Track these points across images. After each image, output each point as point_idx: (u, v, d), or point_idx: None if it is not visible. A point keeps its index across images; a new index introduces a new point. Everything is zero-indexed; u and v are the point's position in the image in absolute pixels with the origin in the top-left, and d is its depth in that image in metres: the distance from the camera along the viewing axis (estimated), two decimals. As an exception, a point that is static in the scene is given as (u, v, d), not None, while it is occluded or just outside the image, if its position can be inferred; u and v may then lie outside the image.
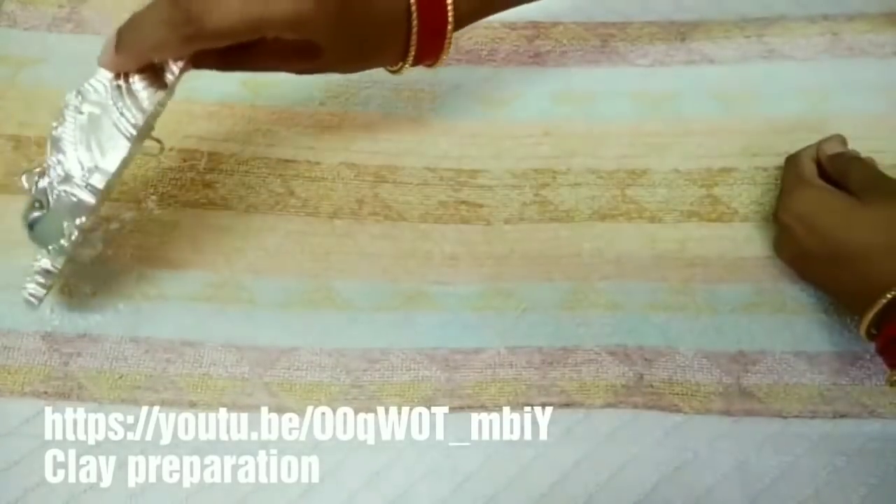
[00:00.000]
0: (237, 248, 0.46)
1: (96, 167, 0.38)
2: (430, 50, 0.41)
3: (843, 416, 0.42)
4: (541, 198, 0.48)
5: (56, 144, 0.38)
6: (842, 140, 0.46)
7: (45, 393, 0.42)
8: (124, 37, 0.36)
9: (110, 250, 0.46)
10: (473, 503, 0.41)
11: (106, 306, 0.44)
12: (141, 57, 0.37)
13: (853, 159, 0.44)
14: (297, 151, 0.49)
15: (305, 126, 0.50)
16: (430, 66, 0.43)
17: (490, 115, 0.51)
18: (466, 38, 0.54)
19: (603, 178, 0.49)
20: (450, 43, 0.40)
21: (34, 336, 0.43)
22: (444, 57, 0.41)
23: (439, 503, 0.41)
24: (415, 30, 0.39)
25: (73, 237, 0.39)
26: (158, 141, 0.42)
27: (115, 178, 0.39)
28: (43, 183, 0.39)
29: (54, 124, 0.38)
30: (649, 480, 0.41)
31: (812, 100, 0.51)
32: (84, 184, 0.38)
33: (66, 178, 0.38)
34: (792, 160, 0.46)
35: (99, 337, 0.44)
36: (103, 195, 0.40)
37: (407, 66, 0.41)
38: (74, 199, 0.39)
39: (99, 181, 0.38)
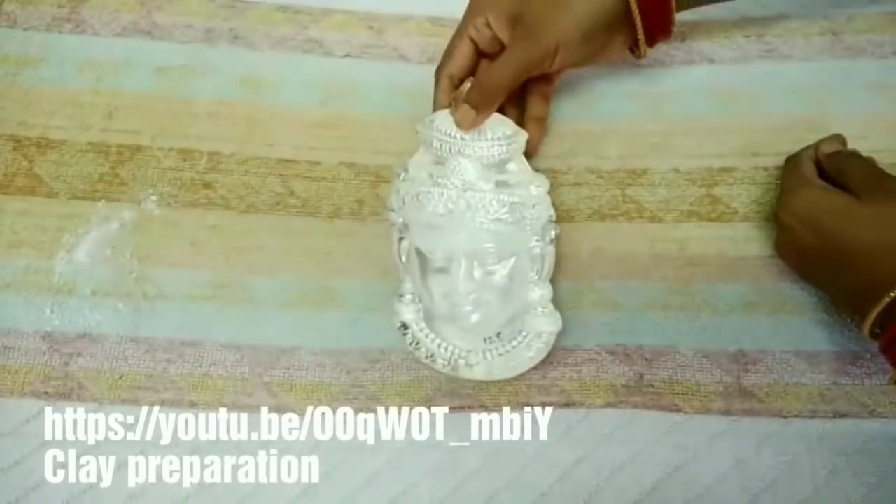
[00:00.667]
0: (237, 248, 0.46)
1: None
2: (656, 36, 0.46)
3: (842, 415, 0.42)
4: (541, 198, 0.48)
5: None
6: (840, 139, 0.46)
7: (45, 393, 0.42)
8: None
9: (110, 250, 0.46)
10: (473, 503, 0.41)
11: (106, 306, 0.44)
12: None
13: (852, 157, 0.44)
14: (297, 151, 0.49)
15: (305, 126, 0.50)
16: (665, 40, 0.47)
17: (490, 114, 0.51)
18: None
19: (603, 177, 0.49)
20: (674, 23, 0.45)
21: (34, 336, 0.43)
22: (673, 30, 0.46)
23: (439, 503, 0.41)
24: (639, 27, 0.44)
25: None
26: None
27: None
28: None
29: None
30: (649, 480, 0.41)
31: (812, 99, 0.51)
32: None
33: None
34: (791, 160, 0.46)
35: (99, 337, 0.44)
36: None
37: (644, 50, 0.46)
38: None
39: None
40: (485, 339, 0.42)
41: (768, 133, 0.50)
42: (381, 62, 0.52)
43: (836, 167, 0.44)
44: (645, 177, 0.49)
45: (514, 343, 0.42)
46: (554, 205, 0.44)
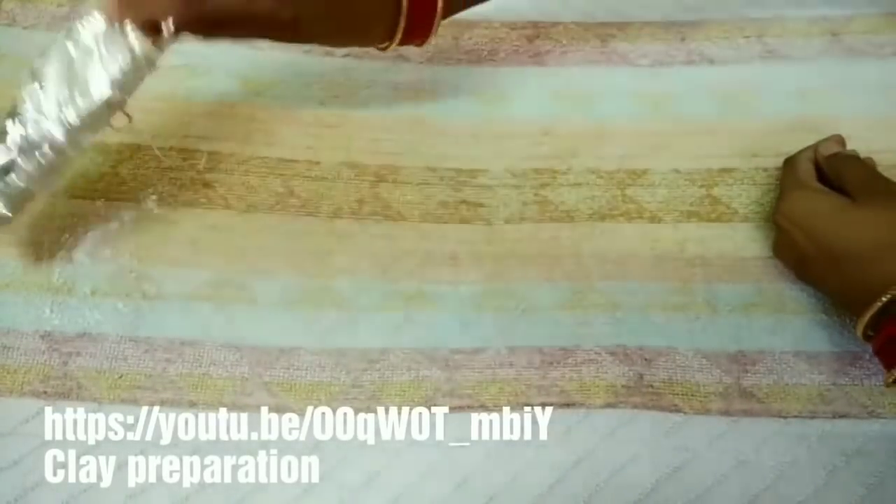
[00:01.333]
0: (237, 248, 0.46)
1: (72, 103, 0.38)
2: (419, 31, 0.42)
3: (842, 416, 0.42)
4: (541, 197, 0.48)
5: (37, 78, 0.38)
6: (840, 140, 0.46)
7: (45, 393, 0.42)
8: None
9: (110, 250, 0.46)
10: (473, 503, 0.41)
11: (106, 306, 0.44)
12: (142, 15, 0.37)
13: (849, 159, 0.44)
14: (297, 151, 0.49)
15: (305, 126, 0.50)
16: (418, 45, 0.44)
17: (490, 114, 0.51)
18: (466, 37, 0.54)
19: (603, 178, 0.49)
20: (438, 25, 0.41)
21: (34, 336, 0.43)
22: (432, 39, 0.42)
23: (439, 503, 0.41)
24: (404, 12, 0.40)
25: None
26: (128, 115, 0.40)
27: (89, 125, 0.38)
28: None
29: (38, 61, 0.38)
30: (649, 480, 0.41)
31: (812, 100, 0.51)
32: (56, 118, 0.38)
33: (40, 113, 0.38)
34: (789, 162, 0.46)
35: (99, 337, 0.44)
36: (73, 135, 0.39)
37: (394, 45, 0.43)
38: (43, 133, 0.38)
39: (72, 116, 0.38)
40: None
41: (768, 134, 0.50)
42: (382, 62, 0.52)
43: (833, 169, 0.44)
44: (645, 177, 0.49)
45: None
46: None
